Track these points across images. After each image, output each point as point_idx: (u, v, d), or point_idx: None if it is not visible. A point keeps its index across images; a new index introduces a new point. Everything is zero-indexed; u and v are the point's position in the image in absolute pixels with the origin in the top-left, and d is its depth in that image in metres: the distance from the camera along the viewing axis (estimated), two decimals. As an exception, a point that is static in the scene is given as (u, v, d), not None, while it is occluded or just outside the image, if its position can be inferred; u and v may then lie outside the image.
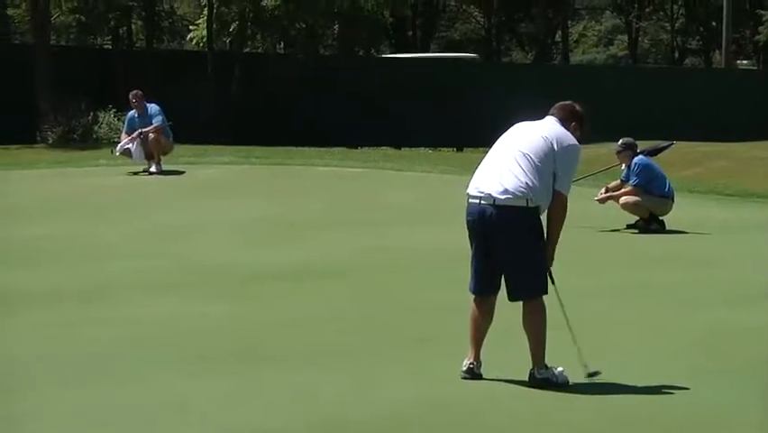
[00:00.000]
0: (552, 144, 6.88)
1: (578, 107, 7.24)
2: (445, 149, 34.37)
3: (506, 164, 6.89)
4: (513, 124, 7.25)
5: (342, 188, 18.59)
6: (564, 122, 7.09)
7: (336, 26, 40.01)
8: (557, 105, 7.26)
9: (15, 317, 8.79)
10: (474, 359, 7.02)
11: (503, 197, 6.80)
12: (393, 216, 14.74)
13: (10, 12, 40.68)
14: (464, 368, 7.01)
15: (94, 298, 9.55)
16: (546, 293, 6.93)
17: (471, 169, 7.39)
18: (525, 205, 6.79)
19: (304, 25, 35.92)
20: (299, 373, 7.19)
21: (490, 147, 7.16)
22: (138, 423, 6.19)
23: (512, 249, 6.87)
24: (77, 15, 36.06)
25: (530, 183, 6.79)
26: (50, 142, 27.96)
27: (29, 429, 6.11)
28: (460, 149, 33.85)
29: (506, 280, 6.95)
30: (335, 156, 24.51)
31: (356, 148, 30.63)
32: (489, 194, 6.85)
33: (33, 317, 8.80)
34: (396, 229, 13.53)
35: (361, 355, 7.70)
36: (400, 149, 32.83)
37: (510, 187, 6.80)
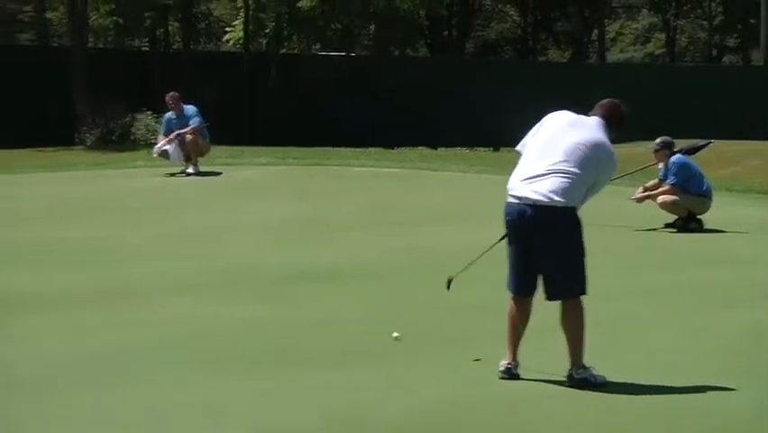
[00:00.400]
0: (597, 155, 6.85)
1: (623, 108, 7.18)
2: (482, 149, 34.33)
3: (546, 164, 6.84)
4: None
5: (379, 189, 18.56)
6: (608, 122, 7.03)
7: (372, 27, 40.02)
8: (603, 103, 7.18)
9: (47, 318, 8.78)
10: (512, 359, 7.00)
11: (542, 197, 6.76)
12: (429, 216, 14.69)
13: (48, 15, 40.94)
14: (502, 368, 6.98)
15: (126, 299, 9.52)
16: (585, 293, 6.90)
17: (508, 168, 7.38)
18: (563, 205, 6.76)
19: (339, 26, 35.97)
20: (332, 374, 7.16)
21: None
22: (170, 425, 6.18)
23: (550, 249, 6.84)
24: (115, 18, 36.25)
25: (570, 185, 6.76)
26: (89, 144, 28.17)
27: (52, 431, 6.12)
28: (496, 149, 33.79)
29: (544, 280, 6.92)
30: (372, 156, 24.49)
31: (392, 148, 30.64)
32: (528, 194, 6.81)
33: (67, 317, 8.79)
34: (431, 229, 13.48)
35: (394, 356, 7.66)
36: (436, 149, 32.82)
37: (550, 187, 6.76)
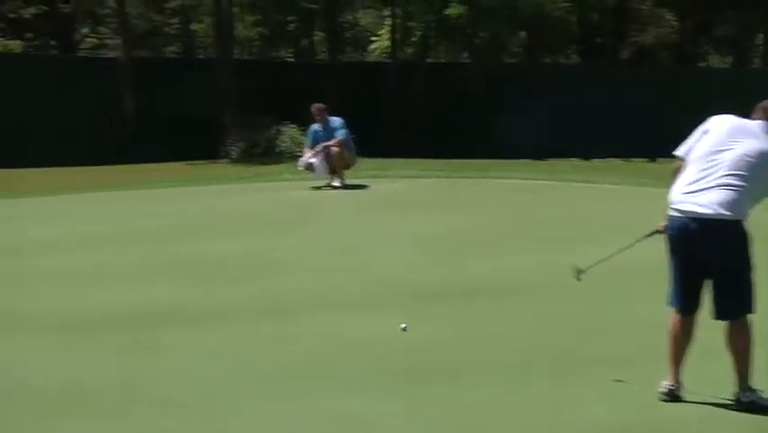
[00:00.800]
0: (764, 164, 6.55)
1: None
2: (638, 159, 33.33)
3: (711, 176, 6.53)
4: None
5: (529, 202, 18.19)
6: None
7: (522, 34, 39.51)
8: (765, 105, 6.81)
9: (201, 333, 8.74)
10: (674, 380, 6.73)
11: (708, 210, 6.43)
12: (580, 231, 14.20)
13: (194, 27, 41.42)
14: (663, 390, 6.72)
15: (274, 314, 9.47)
16: (753, 312, 6.57)
17: (666, 180, 7.08)
18: (730, 218, 6.42)
19: (488, 34, 35.52)
20: (484, 391, 6.98)
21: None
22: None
23: (717, 265, 6.54)
24: (260, 29, 36.45)
25: (736, 197, 6.45)
26: (234, 157, 28.28)
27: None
28: (653, 159, 32.74)
29: (711, 298, 6.60)
30: (522, 168, 24.37)
31: (543, 159, 30.08)
32: (693, 207, 6.49)
33: (216, 333, 8.75)
34: (582, 245, 12.91)
35: (547, 375, 7.39)
36: (589, 160, 32.06)
37: (715, 200, 6.44)
